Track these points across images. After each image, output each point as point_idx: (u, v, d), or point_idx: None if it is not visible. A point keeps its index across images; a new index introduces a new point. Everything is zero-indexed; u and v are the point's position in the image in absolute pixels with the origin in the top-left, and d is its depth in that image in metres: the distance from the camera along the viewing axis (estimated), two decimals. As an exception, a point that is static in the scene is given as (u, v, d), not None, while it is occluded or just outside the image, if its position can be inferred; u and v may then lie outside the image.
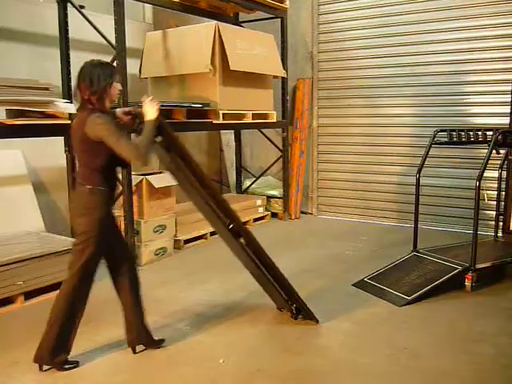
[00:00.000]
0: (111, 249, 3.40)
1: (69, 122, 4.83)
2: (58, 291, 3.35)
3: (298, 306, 3.87)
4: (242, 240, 3.63)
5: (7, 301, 4.24)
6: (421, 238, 5.16)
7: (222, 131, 8.31)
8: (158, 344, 3.56)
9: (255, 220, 7.27)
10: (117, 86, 3.24)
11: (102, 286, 3.89)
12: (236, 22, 7.54)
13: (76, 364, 3.31)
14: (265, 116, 6.77)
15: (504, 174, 5.53)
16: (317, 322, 3.87)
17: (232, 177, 8.45)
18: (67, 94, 5.51)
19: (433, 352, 3.46)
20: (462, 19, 6.54)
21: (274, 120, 6.91)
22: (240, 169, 8.27)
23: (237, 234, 3.61)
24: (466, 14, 6.51)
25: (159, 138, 3.32)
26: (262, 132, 7.75)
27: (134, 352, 3.48)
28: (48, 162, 5.87)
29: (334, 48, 7.57)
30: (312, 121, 7.89)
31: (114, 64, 5.08)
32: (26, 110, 4.31)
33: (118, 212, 5.55)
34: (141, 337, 3.49)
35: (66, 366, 3.26)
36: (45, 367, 3.25)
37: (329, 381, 3.12)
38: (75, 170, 3.16)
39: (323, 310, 3.91)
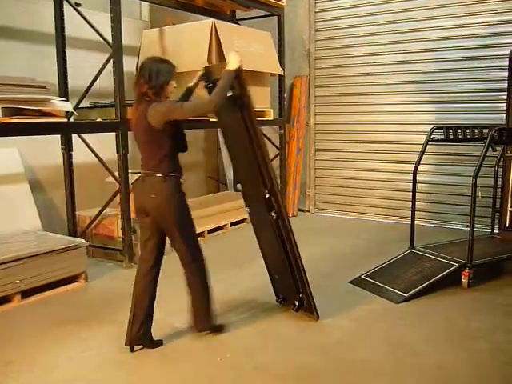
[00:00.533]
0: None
1: (65, 120, 4.85)
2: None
3: (305, 296, 3.87)
4: (273, 214, 3.71)
5: (4, 300, 4.23)
6: (418, 235, 5.18)
7: (219, 129, 8.29)
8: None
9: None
10: (173, 84, 3.40)
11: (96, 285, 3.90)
12: (233, 19, 7.53)
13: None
14: (262, 114, 6.76)
15: (500, 171, 5.55)
16: (317, 317, 3.88)
17: (229, 175, 8.44)
18: (64, 92, 5.50)
19: (430, 348, 3.47)
20: (455, 17, 6.56)
21: (272, 118, 6.90)
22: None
23: (270, 205, 3.70)
24: (459, 12, 6.52)
25: (230, 93, 3.44)
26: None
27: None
28: (45, 161, 5.86)
29: (331, 45, 7.57)
30: (309, 118, 7.89)
31: (111, 61, 5.11)
32: (22, 108, 4.31)
33: (115, 210, 5.56)
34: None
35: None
36: None
37: (327, 378, 3.13)
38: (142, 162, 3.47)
39: (321, 307, 3.91)
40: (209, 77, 3.73)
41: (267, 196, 3.70)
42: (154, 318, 3.58)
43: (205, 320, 3.62)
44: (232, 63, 3.38)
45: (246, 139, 3.65)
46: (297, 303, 3.93)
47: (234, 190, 3.92)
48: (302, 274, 3.82)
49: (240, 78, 3.46)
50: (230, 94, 3.44)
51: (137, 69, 6.45)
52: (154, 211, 3.40)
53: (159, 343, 3.56)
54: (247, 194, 3.99)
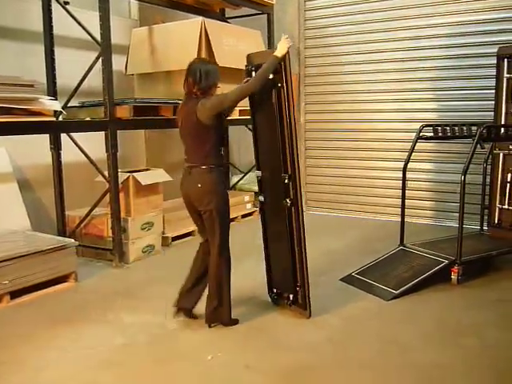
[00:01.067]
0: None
1: (53, 119, 4.82)
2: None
3: (302, 291, 3.88)
4: (288, 201, 3.81)
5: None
6: (408, 233, 5.20)
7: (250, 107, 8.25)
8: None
9: (243, 216, 7.27)
10: (217, 86, 3.63)
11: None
12: (222, 18, 7.52)
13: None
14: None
15: (489, 168, 5.59)
16: (309, 315, 3.89)
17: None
18: (52, 91, 5.46)
19: (421, 345, 3.49)
20: (444, 15, 6.59)
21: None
22: (228, 165, 8.25)
23: (287, 192, 3.80)
24: (448, 10, 6.56)
25: (271, 76, 3.64)
26: (249, 128, 7.73)
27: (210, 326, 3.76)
28: (33, 160, 5.82)
29: (321, 44, 7.58)
30: (299, 117, 7.90)
31: (100, 60, 5.08)
32: (10, 107, 4.28)
33: (105, 210, 5.54)
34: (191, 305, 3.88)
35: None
36: None
37: (318, 376, 3.13)
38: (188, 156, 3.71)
39: (312, 304, 3.91)
40: (251, 62, 3.94)
41: (286, 181, 3.78)
42: (142, 316, 3.55)
43: (215, 314, 3.73)
44: (280, 49, 3.59)
45: (276, 121, 3.75)
46: (291, 298, 3.94)
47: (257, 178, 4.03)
48: (304, 267, 3.84)
49: (286, 63, 3.62)
50: (271, 77, 3.64)
51: (126, 67, 6.46)
52: (198, 200, 3.62)
53: (235, 321, 3.80)
54: (265, 179, 4.02)
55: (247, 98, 3.87)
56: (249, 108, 4.03)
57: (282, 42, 3.61)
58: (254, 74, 3.77)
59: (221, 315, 3.73)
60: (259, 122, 3.96)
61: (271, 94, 3.75)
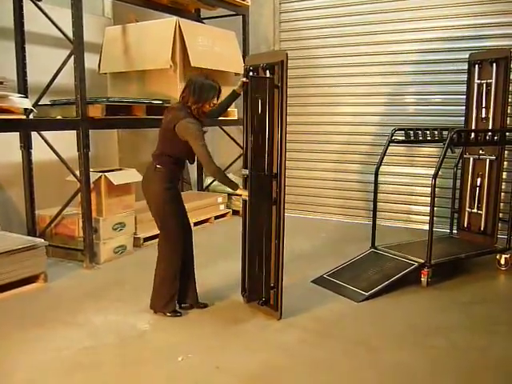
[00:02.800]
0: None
1: (24, 117, 4.74)
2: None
3: (276, 292, 3.90)
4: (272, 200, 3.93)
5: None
6: (379, 235, 5.25)
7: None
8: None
9: (216, 217, 7.25)
10: (213, 101, 3.85)
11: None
12: (197, 18, 7.50)
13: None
14: (226, 113, 6.74)
15: (459, 172, 5.68)
16: (280, 316, 3.90)
17: (193, 174, 8.40)
18: (23, 89, 5.37)
19: (389, 346, 3.53)
20: (417, 20, 6.68)
21: (236, 117, 6.89)
22: (201, 166, 8.22)
23: (272, 191, 3.91)
24: (421, 16, 6.65)
25: (269, 75, 3.85)
26: (223, 129, 7.73)
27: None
28: (2, 158, 5.71)
29: (296, 46, 7.60)
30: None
31: (72, 58, 5.01)
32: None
33: (76, 209, 5.47)
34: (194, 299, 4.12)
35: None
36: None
37: (286, 376, 3.14)
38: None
39: (283, 305, 3.92)
40: (249, 63, 4.08)
41: (272, 180, 3.85)
42: (113, 317, 3.51)
43: (160, 303, 3.96)
44: (244, 194, 3.93)
45: (268, 120, 3.84)
46: (264, 298, 3.95)
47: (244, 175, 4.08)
48: (280, 268, 3.86)
49: (283, 67, 3.73)
50: (269, 75, 3.83)
51: (99, 66, 6.39)
52: (145, 196, 3.92)
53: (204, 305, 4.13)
54: (251, 177, 3.96)
55: (242, 95, 4.04)
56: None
57: (246, 194, 3.89)
58: (251, 73, 3.96)
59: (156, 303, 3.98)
60: (251, 120, 3.92)
61: (267, 94, 3.81)
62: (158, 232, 4.05)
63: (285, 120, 3.77)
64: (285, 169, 3.84)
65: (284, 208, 3.89)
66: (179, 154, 3.84)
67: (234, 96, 4.14)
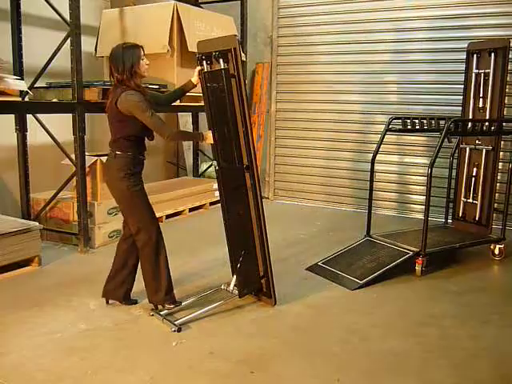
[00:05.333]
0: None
1: (19, 99, 4.70)
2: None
3: (266, 280, 3.89)
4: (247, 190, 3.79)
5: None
6: (374, 224, 5.27)
7: (179, 113, 8.20)
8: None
9: (211, 204, 7.24)
10: (143, 63, 3.61)
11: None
12: (196, 2, 7.43)
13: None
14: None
15: (455, 162, 5.69)
16: (274, 303, 3.91)
17: (189, 160, 8.38)
18: (19, 71, 5.33)
19: (382, 334, 3.55)
20: (415, 9, 6.65)
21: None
22: (197, 152, 8.20)
23: (245, 180, 3.76)
24: (420, 4, 6.62)
25: (224, 65, 3.59)
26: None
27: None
28: (-3, 141, 5.68)
29: (294, 33, 7.57)
30: (270, 105, 7.89)
31: (69, 40, 4.96)
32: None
33: (71, 193, 5.45)
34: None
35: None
36: None
37: (279, 363, 3.16)
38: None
39: (277, 293, 3.93)
40: (202, 50, 3.81)
41: (244, 170, 3.72)
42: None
43: (155, 294, 3.77)
44: (209, 139, 3.74)
45: (230, 111, 3.67)
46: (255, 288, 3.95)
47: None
48: (267, 256, 3.85)
49: (236, 52, 3.52)
50: (224, 66, 3.58)
51: (96, 49, 6.33)
52: (108, 186, 3.75)
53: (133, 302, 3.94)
54: (223, 168, 3.93)
55: (199, 86, 3.92)
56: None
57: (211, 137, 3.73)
58: (204, 62, 3.72)
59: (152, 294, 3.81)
60: (212, 112, 3.85)
61: (223, 84, 3.64)
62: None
63: (247, 109, 3.63)
64: (255, 158, 3.70)
65: (261, 197, 3.79)
66: (134, 133, 3.59)
67: (189, 86, 3.98)
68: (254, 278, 3.95)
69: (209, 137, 3.74)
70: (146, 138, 3.72)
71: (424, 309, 3.98)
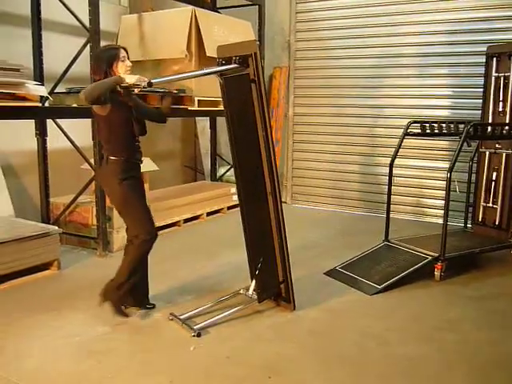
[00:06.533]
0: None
1: (39, 104, 4.76)
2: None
3: (285, 285, 3.87)
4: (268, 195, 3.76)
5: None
6: (392, 228, 5.23)
7: (197, 118, 8.25)
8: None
9: (229, 208, 7.25)
10: (123, 65, 3.52)
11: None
12: (213, 7, 7.47)
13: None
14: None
15: (474, 166, 5.63)
16: (294, 307, 3.90)
17: (207, 164, 8.41)
18: (39, 77, 5.39)
19: (401, 339, 3.51)
20: (434, 12, 6.61)
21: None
22: (215, 156, 8.22)
23: (265, 186, 3.73)
24: (439, 8, 6.57)
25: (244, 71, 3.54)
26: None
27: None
28: (18, 146, 5.75)
29: (312, 37, 7.56)
30: (288, 109, 7.89)
31: (88, 46, 5.01)
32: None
33: (90, 198, 5.50)
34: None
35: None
36: None
37: (297, 367, 3.14)
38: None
39: (295, 297, 3.92)
40: (222, 55, 3.73)
41: (264, 175, 3.70)
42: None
43: (113, 293, 3.69)
44: (129, 77, 3.37)
45: (251, 117, 3.64)
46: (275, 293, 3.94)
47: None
48: (286, 261, 3.83)
49: (256, 57, 3.49)
50: (242, 73, 3.56)
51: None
52: (106, 193, 3.79)
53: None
54: (243, 176, 3.92)
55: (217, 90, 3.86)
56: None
57: (136, 76, 3.37)
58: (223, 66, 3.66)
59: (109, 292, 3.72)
60: (232, 118, 3.85)
61: (243, 89, 3.63)
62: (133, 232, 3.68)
63: (267, 114, 3.60)
64: (275, 163, 3.68)
65: (281, 202, 3.78)
66: (126, 132, 3.55)
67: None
68: (273, 282, 3.94)
69: (131, 77, 3.36)
70: (138, 142, 3.67)
71: (442, 314, 3.94)
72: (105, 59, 3.49)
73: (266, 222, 3.85)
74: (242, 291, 4.05)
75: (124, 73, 3.51)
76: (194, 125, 8.47)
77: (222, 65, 3.68)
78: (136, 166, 3.68)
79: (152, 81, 3.27)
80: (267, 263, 3.92)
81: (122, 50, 3.56)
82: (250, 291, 3.93)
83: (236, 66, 3.56)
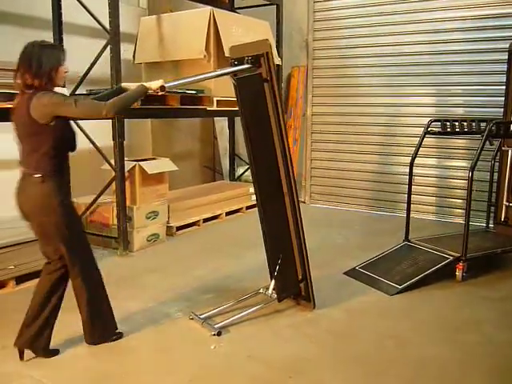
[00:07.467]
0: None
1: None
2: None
3: (305, 284, 3.88)
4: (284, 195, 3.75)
5: (-1, 284, 4.24)
6: (413, 228, 5.19)
7: (215, 118, 8.27)
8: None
9: (248, 207, 7.26)
10: (62, 70, 2.99)
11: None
12: (231, 8, 7.50)
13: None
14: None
15: (496, 165, 5.56)
16: (314, 306, 3.90)
17: (225, 164, 8.43)
18: (60, 79, 5.46)
19: (420, 340, 3.49)
20: (455, 9, 6.54)
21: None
22: (233, 156, 8.24)
23: (282, 185, 3.72)
24: (460, 4, 6.50)
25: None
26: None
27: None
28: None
29: (330, 36, 7.54)
30: (306, 109, 7.87)
31: (108, 48, 5.06)
32: (17, 93, 4.26)
33: (111, 198, 5.55)
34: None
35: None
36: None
37: (317, 368, 3.14)
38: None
39: (315, 297, 3.92)
40: (234, 55, 3.70)
41: (280, 174, 3.70)
42: (144, 305, 3.54)
43: (94, 334, 3.33)
44: (153, 84, 3.16)
45: (265, 116, 3.64)
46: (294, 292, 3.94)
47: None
48: (305, 259, 3.84)
49: (269, 59, 3.48)
50: (255, 73, 3.50)
51: (134, 56, 6.44)
52: (33, 217, 3.06)
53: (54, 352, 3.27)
54: (259, 171, 3.90)
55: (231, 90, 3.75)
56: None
57: (159, 81, 3.18)
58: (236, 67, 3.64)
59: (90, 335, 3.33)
60: (247, 118, 3.80)
61: (256, 89, 3.63)
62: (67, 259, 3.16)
63: (281, 113, 3.58)
64: (291, 162, 3.70)
65: (298, 200, 3.78)
66: (56, 142, 2.96)
67: (118, 91, 3.34)
68: (292, 281, 3.94)
69: (153, 83, 3.15)
70: (67, 157, 3.14)
71: (463, 315, 3.90)
72: (48, 60, 2.91)
73: (284, 222, 3.86)
74: (261, 290, 4.05)
75: (60, 80, 3.01)
76: (212, 125, 8.49)
77: (235, 65, 3.67)
78: (68, 182, 3.20)
79: (165, 85, 3.20)
80: (286, 262, 3.92)
81: (64, 52, 3.09)
82: (270, 290, 3.93)
83: (248, 66, 3.56)
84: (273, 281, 3.93)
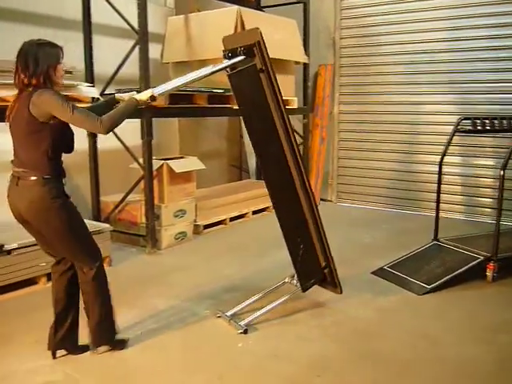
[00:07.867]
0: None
1: (91, 105, 4.87)
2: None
3: (329, 270, 3.87)
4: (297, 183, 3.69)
5: (30, 282, 4.33)
6: (442, 227, 5.12)
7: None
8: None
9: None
10: (60, 68, 2.96)
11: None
12: (258, 6, 7.50)
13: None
14: (285, 102, 6.70)
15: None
16: (341, 291, 3.90)
17: (252, 163, 8.44)
18: (90, 78, 5.54)
19: (451, 340, 3.45)
20: (483, 5, 6.42)
21: (295, 106, 6.86)
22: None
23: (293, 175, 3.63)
24: (484, 1, 6.39)
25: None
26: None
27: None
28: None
29: (357, 34, 7.49)
30: (333, 107, 7.84)
31: (137, 48, 5.11)
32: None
33: (139, 196, 5.61)
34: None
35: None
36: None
37: (345, 367, 3.13)
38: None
39: (342, 296, 3.90)
40: (227, 46, 3.61)
41: (289, 164, 3.63)
42: (172, 302, 3.56)
43: (99, 336, 3.24)
44: (142, 94, 3.13)
45: (266, 108, 3.54)
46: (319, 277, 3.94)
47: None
48: (326, 245, 3.82)
49: (262, 50, 3.39)
50: (251, 64, 3.38)
51: (162, 56, 6.49)
52: (32, 218, 2.93)
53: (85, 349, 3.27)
54: (267, 165, 3.85)
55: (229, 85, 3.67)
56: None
57: (148, 91, 3.16)
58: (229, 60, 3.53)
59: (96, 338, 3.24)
60: (246, 112, 3.77)
61: (253, 81, 3.50)
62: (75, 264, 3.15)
63: (282, 104, 3.47)
64: (298, 150, 3.61)
65: (311, 189, 3.71)
66: (54, 141, 2.90)
67: (111, 103, 3.34)
68: (315, 268, 3.92)
69: (143, 95, 3.12)
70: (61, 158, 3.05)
71: (494, 315, 3.84)
72: (45, 58, 2.87)
73: (299, 210, 3.81)
74: (287, 279, 4.05)
75: (59, 79, 2.98)
76: (239, 124, 8.51)
77: (229, 57, 3.54)
78: (63, 182, 3.10)
79: (155, 94, 3.11)
80: (307, 251, 3.88)
81: (61, 50, 3.02)
82: (295, 280, 3.93)
83: (242, 58, 3.45)
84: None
